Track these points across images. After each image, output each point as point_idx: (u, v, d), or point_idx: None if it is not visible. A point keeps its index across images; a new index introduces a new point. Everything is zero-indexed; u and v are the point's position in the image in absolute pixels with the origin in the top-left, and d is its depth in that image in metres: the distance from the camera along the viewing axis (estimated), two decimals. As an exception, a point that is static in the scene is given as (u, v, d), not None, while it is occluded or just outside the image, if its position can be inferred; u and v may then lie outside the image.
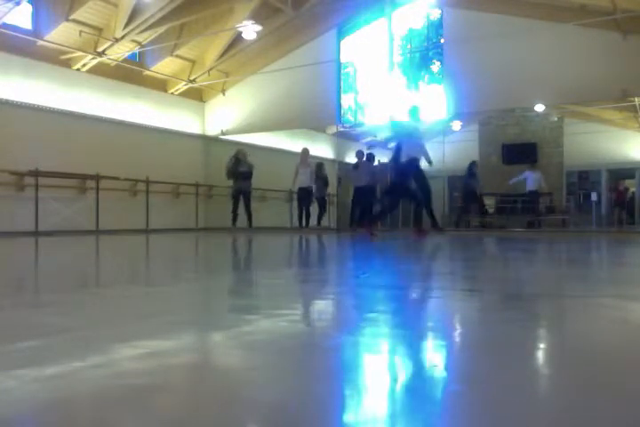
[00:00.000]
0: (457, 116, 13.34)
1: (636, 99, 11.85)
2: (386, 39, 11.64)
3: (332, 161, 15.12)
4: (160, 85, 12.28)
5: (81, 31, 9.93)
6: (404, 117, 7.42)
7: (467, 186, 11.91)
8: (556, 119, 15.38)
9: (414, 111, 7.57)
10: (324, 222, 12.07)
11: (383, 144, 18.20)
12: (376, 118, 13.27)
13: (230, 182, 10.56)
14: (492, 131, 15.94)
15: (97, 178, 10.22)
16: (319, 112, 12.29)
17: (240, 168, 10.06)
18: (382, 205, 8.13)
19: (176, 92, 12.59)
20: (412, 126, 7.39)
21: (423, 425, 0.73)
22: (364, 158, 11.29)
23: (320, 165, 11.57)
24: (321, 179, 11.39)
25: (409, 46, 13.01)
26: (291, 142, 14.62)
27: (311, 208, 11.15)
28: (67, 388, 0.86)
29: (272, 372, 0.97)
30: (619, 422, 0.72)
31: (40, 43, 9.68)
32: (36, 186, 9.32)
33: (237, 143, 12.17)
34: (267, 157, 13.70)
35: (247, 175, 10.18)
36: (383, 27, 11.81)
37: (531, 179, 12.37)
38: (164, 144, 12.03)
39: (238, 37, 11.48)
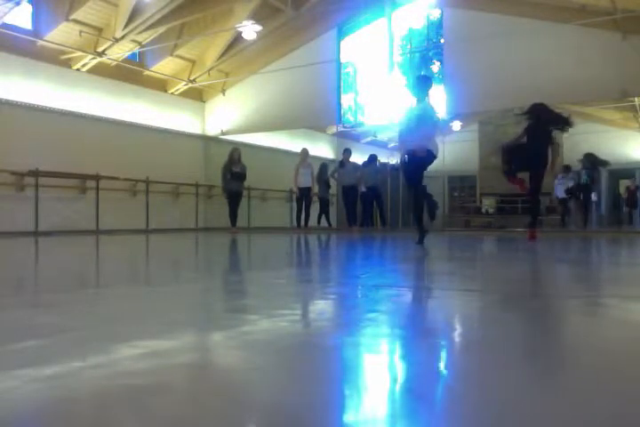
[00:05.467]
0: (457, 116, 13.34)
1: (636, 99, 11.84)
2: (386, 39, 11.64)
3: (332, 161, 15.11)
4: (160, 85, 12.28)
5: (81, 31, 9.93)
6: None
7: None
8: (556, 119, 15.35)
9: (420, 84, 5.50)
10: (324, 222, 12.05)
11: (384, 144, 18.21)
12: (376, 118, 13.26)
13: (219, 181, 10.24)
14: (492, 131, 15.92)
15: (97, 178, 10.22)
16: (319, 112, 12.28)
17: (234, 168, 9.89)
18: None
19: (176, 92, 12.59)
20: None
21: (423, 425, 0.73)
22: (368, 159, 11.31)
23: (323, 166, 11.50)
24: (324, 180, 11.33)
25: (409, 46, 13.01)
26: (290, 142, 14.62)
27: (311, 208, 11.14)
28: (67, 388, 0.86)
29: (272, 372, 0.97)
30: (619, 422, 0.72)
31: (40, 43, 9.68)
32: (36, 186, 9.32)
33: (237, 143, 12.16)
34: (267, 157, 13.71)
35: (240, 176, 9.97)
36: (383, 27, 11.81)
37: (561, 185, 11.65)
38: (163, 144, 12.03)
39: (238, 37, 11.48)
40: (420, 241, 5.36)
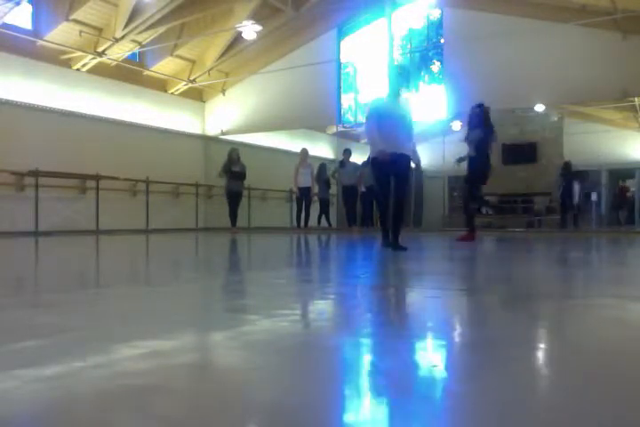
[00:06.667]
0: (457, 116, 13.34)
1: (636, 99, 11.84)
2: (386, 39, 11.64)
3: (332, 161, 15.11)
4: (160, 85, 12.28)
5: (81, 31, 9.93)
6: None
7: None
8: (555, 119, 15.38)
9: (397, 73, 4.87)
10: (324, 222, 12.05)
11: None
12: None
13: (222, 182, 10.35)
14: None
15: (97, 178, 10.22)
16: (319, 112, 12.28)
17: (233, 168, 9.96)
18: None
19: (176, 92, 12.59)
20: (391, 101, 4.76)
21: (423, 425, 0.73)
22: (368, 159, 11.29)
23: (322, 166, 11.49)
24: (323, 180, 11.32)
25: (409, 46, 13.02)
26: (290, 142, 14.61)
27: (311, 208, 11.14)
28: (67, 388, 0.86)
29: (272, 372, 0.97)
30: (618, 421, 0.72)
31: (40, 43, 9.67)
32: (36, 186, 9.32)
33: (237, 143, 12.17)
34: (267, 157, 13.71)
35: (240, 176, 10.04)
36: (383, 27, 11.80)
37: (575, 190, 11.83)
38: (163, 144, 12.03)
39: (238, 37, 11.48)
40: (388, 243, 4.64)
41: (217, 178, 10.19)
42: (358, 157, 11.83)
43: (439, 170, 14.65)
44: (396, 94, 4.72)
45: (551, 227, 12.41)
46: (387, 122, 4.55)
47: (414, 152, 4.80)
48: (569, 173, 11.54)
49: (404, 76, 4.80)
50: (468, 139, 6.20)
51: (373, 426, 0.72)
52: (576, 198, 11.99)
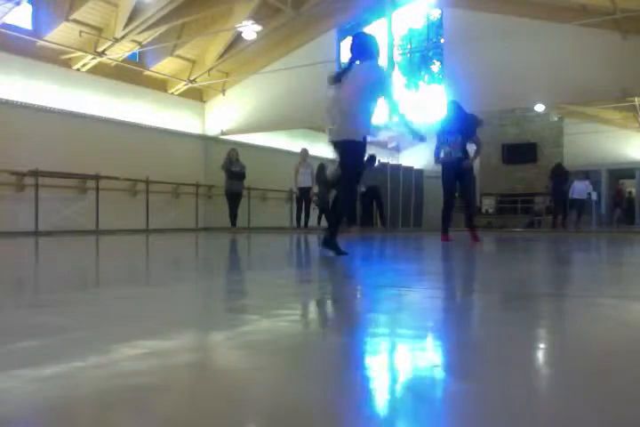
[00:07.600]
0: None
1: (636, 99, 11.86)
2: (386, 39, 11.64)
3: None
4: (160, 85, 12.28)
5: (81, 31, 9.94)
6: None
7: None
8: (556, 119, 15.38)
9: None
10: (324, 222, 12.04)
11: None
12: (375, 118, 13.25)
13: (222, 181, 10.43)
14: (492, 131, 15.93)
15: (97, 178, 10.22)
16: (319, 112, 12.23)
17: (233, 168, 10.03)
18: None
19: (176, 92, 12.59)
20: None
21: (423, 425, 0.73)
22: (367, 159, 11.23)
23: (321, 166, 11.34)
24: (323, 181, 11.12)
25: (409, 46, 13.02)
26: (291, 142, 14.62)
27: (311, 209, 11.13)
28: (67, 388, 0.86)
29: (272, 372, 0.97)
30: (618, 422, 0.72)
31: (40, 43, 9.68)
32: (36, 186, 9.32)
33: (237, 143, 12.17)
34: (267, 157, 13.71)
35: (240, 176, 10.11)
36: (383, 27, 11.81)
37: (578, 188, 12.12)
38: (163, 144, 12.03)
39: (238, 37, 11.49)
40: (330, 243, 3.75)
41: (221, 169, 10.22)
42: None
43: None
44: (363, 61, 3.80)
45: (550, 227, 12.41)
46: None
47: (406, 123, 4.07)
48: (557, 176, 11.64)
49: (370, 42, 3.96)
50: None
51: (373, 425, 0.72)
52: (573, 196, 12.02)
